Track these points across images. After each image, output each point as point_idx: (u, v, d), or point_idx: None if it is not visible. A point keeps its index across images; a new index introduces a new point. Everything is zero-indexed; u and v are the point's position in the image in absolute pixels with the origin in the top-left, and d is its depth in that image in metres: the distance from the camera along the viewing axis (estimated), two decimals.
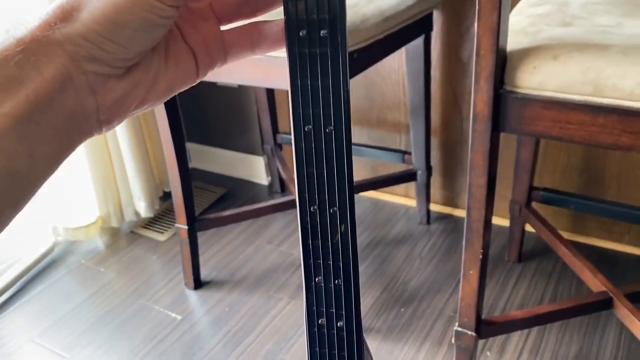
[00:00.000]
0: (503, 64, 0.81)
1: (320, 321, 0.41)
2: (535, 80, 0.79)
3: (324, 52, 0.32)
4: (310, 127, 0.34)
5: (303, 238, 0.38)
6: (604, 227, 1.47)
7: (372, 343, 1.25)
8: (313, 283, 0.40)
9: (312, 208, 0.37)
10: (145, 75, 0.31)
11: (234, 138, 1.92)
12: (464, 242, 0.94)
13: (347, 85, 0.33)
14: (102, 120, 0.30)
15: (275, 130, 1.75)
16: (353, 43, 1.08)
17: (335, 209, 0.37)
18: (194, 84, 0.34)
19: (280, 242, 1.62)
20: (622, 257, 1.43)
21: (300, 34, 0.32)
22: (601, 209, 1.27)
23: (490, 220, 0.92)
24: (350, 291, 0.39)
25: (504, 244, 1.50)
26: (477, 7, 0.77)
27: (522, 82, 0.80)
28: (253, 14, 0.35)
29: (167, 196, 1.82)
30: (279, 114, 1.77)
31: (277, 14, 0.34)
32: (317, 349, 0.42)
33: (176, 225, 1.40)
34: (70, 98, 0.28)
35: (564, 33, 0.82)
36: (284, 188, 1.87)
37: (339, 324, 0.41)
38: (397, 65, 1.57)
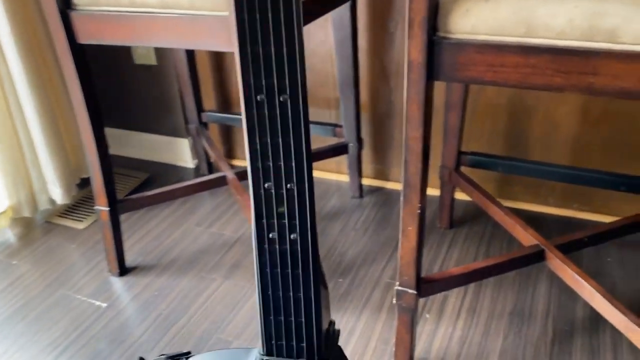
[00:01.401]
0: (435, 10, 0.80)
1: (270, 235, 0.37)
2: (468, 23, 0.78)
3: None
4: (263, 96, 0.30)
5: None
6: (530, 191, 1.52)
7: None
8: (262, 190, 0.35)
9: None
10: None
11: (155, 120, 1.83)
12: (401, 199, 0.93)
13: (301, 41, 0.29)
14: None
15: (199, 109, 1.68)
16: None
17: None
18: None
19: (210, 224, 1.55)
20: (548, 218, 1.48)
21: None
22: (528, 169, 1.31)
23: (426, 174, 0.91)
24: (305, 195, 0.35)
25: (434, 212, 1.52)
26: None
27: (455, 27, 0.79)
28: None
29: (84, 183, 1.70)
30: (203, 90, 1.70)
31: None
32: (268, 269, 0.38)
33: (96, 207, 1.30)
34: None
35: None
36: (211, 170, 1.80)
37: (292, 236, 0.37)
38: (324, 38, 1.54)
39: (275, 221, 0.36)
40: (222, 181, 1.44)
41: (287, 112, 0.33)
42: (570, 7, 0.72)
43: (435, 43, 0.80)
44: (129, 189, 1.71)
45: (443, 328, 1.16)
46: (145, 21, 1.04)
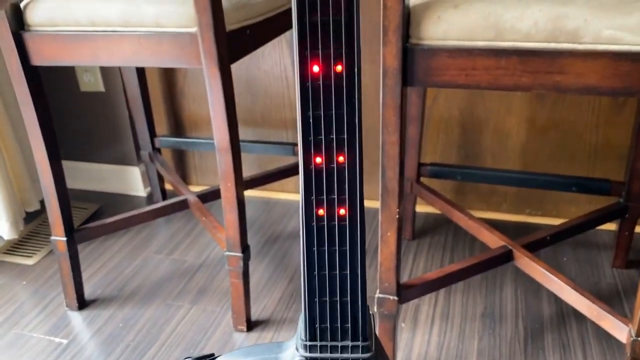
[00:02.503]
0: (408, 18, 0.84)
1: (319, 212, 0.36)
2: (440, 30, 0.82)
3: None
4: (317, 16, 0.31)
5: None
6: (483, 199, 1.58)
7: (288, 334, 1.19)
8: (312, 166, 0.35)
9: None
10: None
11: (103, 149, 1.77)
12: (380, 205, 0.94)
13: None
14: None
15: (152, 134, 1.64)
16: (245, 18, 1.05)
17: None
18: None
19: (170, 251, 1.50)
20: (503, 225, 1.54)
21: None
22: (485, 176, 1.36)
23: (403, 179, 0.93)
24: (355, 168, 0.36)
25: None
26: None
27: (428, 34, 0.82)
28: None
29: (30, 216, 1.61)
30: (155, 115, 1.67)
31: None
32: (315, 247, 0.37)
33: (52, 238, 1.23)
34: None
35: None
36: (165, 197, 1.75)
37: (341, 211, 0.37)
38: (278, 59, 1.56)
39: (325, 197, 0.36)
40: (184, 205, 1.41)
41: (342, 85, 0.33)
42: (534, 10, 0.77)
43: (409, 50, 0.83)
44: (80, 221, 1.63)
45: (420, 335, 1.17)
46: (107, 40, 1.02)
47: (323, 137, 0.34)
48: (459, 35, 0.81)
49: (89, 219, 1.66)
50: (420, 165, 1.39)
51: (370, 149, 1.51)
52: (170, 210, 1.40)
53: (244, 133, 1.66)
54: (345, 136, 0.34)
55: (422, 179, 1.41)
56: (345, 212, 0.36)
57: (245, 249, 1.14)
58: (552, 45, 0.77)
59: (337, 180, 0.36)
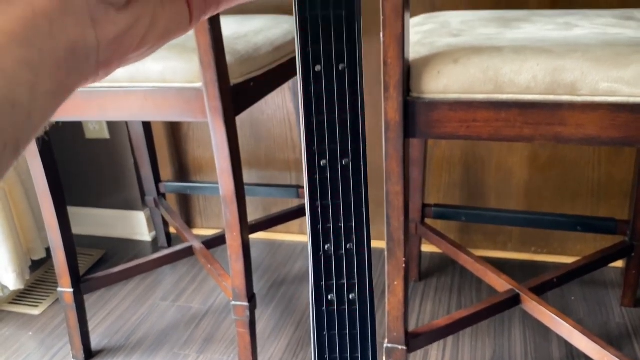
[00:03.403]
0: (408, 73, 0.85)
1: (329, 297, 0.37)
2: (440, 84, 0.83)
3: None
4: (321, 67, 0.32)
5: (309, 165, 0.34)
6: (489, 239, 1.58)
7: None
8: (321, 252, 0.36)
9: (322, 162, 0.34)
10: (144, 10, 0.27)
11: (109, 195, 1.78)
12: (385, 254, 0.95)
13: (360, 22, 0.31)
14: (101, 62, 0.26)
15: (157, 179, 1.66)
16: (249, 71, 1.07)
17: (347, 160, 0.34)
18: (187, 31, 0.31)
19: (176, 297, 1.50)
20: (509, 263, 1.53)
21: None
22: (490, 216, 1.37)
23: (408, 227, 0.94)
24: (364, 254, 0.36)
25: None
26: (381, 17, 0.80)
27: (428, 88, 0.84)
28: None
29: (36, 265, 1.61)
30: (160, 160, 1.68)
31: None
32: (325, 332, 0.38)
33: (59, 289, 1.23)
34: (71, 25, 0.24)
35: (457, 41, 0.88)
36: (170, 241, 1.76)
37: (350, 296, 0.37)
38: (281, 103, 1.58)
39: (334, 282, 0.37)
40: (189, 252, 1.41)
41: (349, 175, 0.34)
42: (532, 64, 0.79)
43: (410, 103, 0.85)
44: (86, 267, 1.64)
45: None
46: (115, 96, 1.04)
47: (332, 225, 0.35)
48: (459, 88, 0.82)
49: (95, 265, 1.66)
50: (424, 206, 1.40)
51: (375, 189, 1.52)
52: (176, 258, 1.40)
53: (248, 175, 1.68)
54: (354, 224, 0.35)
55: (427, 220, 1.42)
56: (355, 296, 0.37)
57: (251, 298, 1.14)
58: (551, 98, 0.79)
59: (345, 265, 0.36)
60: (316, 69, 0.32)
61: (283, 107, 1.59)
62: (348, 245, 0.36)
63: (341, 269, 0.37)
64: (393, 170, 0.88)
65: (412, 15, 1.12)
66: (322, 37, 0.31)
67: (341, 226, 0.35)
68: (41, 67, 0.22)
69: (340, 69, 0.32)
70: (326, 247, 0.36)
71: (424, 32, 0.97)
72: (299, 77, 0.32)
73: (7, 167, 0.21)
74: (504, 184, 1.50)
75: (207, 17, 0.32)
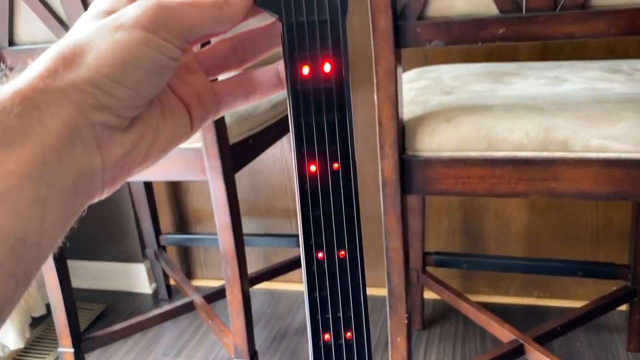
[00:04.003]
0: (402, 132, 0.87)
1: None
2: (434, 142, 0.85)
3: (327, 87, 0.32)
4: (316, 166, 0.33)
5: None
6: (491, 284, 1.57)
7: None
8: (321, 343, 0.36)
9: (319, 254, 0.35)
10: (147, 128, 0.28)
11: (109, 248, 1.78)
12: (387, 310, 0.94)
13: (352, 123, 0.32)
14: (106, 181, 0.27)
15: (157, 232, 1.66)
16: (248, 129, 1.09)
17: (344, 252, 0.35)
18: (189, 138, 0.32)
19: (177, 352, 1.48)
20: (511, 310, 1.52)
21: (303, 71, 0.31)
22: (490, 263, 1.37)
23: (409, 282, 0.94)
24: (364, 345, 0.37)
25: None
26: (375, 80, 0.82)
27: (423, 146, 0.86)
28: (241, 64, 0.34)
29: (36, 321, 1.60)
30: (160, 212, 1.69)
31: (264, 61, 0.34)
32: None
33: (59, 349, 1.22)
34: (78, 154, 0.25)
35: (449, 100, 0.90)
36: (171, 293, 1.75)
37: None
38: (279, 154, 1.60)
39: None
40: (190, 307, 1.40)
41: (346, 267, 0.35)
42: (524, 122, 0.80)
43: (406, 161, 0.86)
44: (87, 323, 1.62)
45: None
46: None
47: (330, 316, 0.36)
48: (453, 146, 0.84)
49: (96, 320, 1.65)
50: (425, 254, 1.40)
51: (374, 235, 1.53)
52: (176, 313, 1.39)
53: (248, 225, 1.68)
54: (352, 315, 0.36)
55: (428, 268, 1.42)
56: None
57: (253, 355, 1.13)
58: (545, 154, 0.80)
59: (345, 355, 0.37)
60: (311, 169, 0.33)
61: (281, 158, 1.61)
62: (347, 334, 0.36)
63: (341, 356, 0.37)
64: (392, 227, 0.89)
65: (405, 69, 1.15)
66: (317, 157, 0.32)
67: (340, 316, 0.36)
68: (50, 199, 0.23)
69: (334, 168, 0.33)
70: (325, 336, 0.36)
71: (417, 90, 0.99)
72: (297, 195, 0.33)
73: (18, 299, 0.22)
74: (503, 229, 1.51)
75: (207, 123, 0.33)
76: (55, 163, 0.24)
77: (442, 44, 0.79)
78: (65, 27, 0.98)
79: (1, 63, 1.03)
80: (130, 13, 0.26)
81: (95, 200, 0.27)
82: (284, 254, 1.66)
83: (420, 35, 0.79)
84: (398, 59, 0.81)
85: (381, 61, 0.81)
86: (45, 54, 0.26)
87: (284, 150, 1.59)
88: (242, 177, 1.64)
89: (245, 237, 1.11)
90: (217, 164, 0.99)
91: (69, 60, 0.25)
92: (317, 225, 0.34)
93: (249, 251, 1.69)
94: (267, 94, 0.34)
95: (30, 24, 1.01)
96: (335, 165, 0.33)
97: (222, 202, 1.02)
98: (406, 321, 0.93)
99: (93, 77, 0.25)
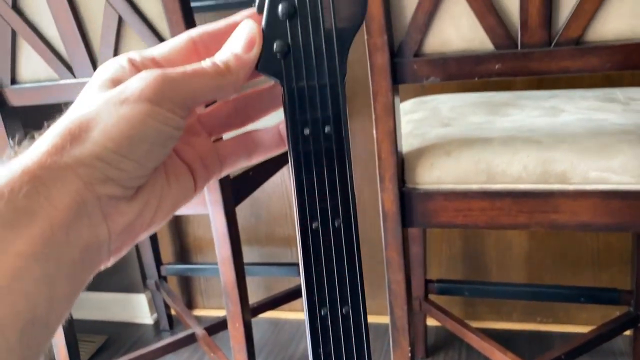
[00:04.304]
0: (402, 164, 0.88)
1: None
2: (434, 175, 0.85)
3: (328, 148, 0.32)
4: (318, 223, 0.33)
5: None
6: (494, 310, 1.57)
7: None
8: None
9: (322, 311, 0.35)
10: (152, 195, 0.29)
11: (110, 278, 1.77)
12: (390, 343, 0.94)
13: (352, 179, 0.33)
14: (113, 250, 0.28)
15: (158, 262, 1.66)
16: None
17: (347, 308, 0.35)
18: (192, 199, 0.33)
19: None
20: (515, 334, 1.51)
21: (304, 132, 0.32)
22: (492, 290, 1.36)
23: (412, 314, 0.94)
24: None
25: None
26: (373, 115, 0.83)
27: (423, 179, 0.86)
28: (244, 123, 0.34)
29: None
30: (161, 241, 1.69)
31: (265, 120, 0.35)
32: None
33: None
34: (85, 228, 0.25)
35: (447, 132, 0.91)
36: (172, 323, 1.74)
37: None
38: (279, 180, 1.61)
39: None
40: (191, 339, 1.40)
41: (350, 324, 0.35)
42: (523, 155, 0.81)
43: (406, 194, 0.87)
44: (88, 355, 1.61)
45: None
46: None
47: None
48: (453, 179, 0.84)
49: (97, 353, 1.63)
50: (427, 282, 1.40)
51: (375, 263, 1.53)
52: (178, 346, 1.38)
53: (248, 254, 1.68)
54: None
55: (430, 296, 1.41)
56: None
57: None
58: (544, 187, 0.81)
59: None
60: (313, 226, 0.33)
61: (281, 185, 1.61)
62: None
63: None
64: (393, 259, 0.89)
65: (403, 98, 1.16)
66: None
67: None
68: (58, 276, 0.24)
69: (335, 225, 0.33)
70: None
71: (415, 121, 1.00)
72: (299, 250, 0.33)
73: None
74: (505, 254, 1.51)
75: (210, 182, 0.34)
76: (63, 239, 0.24)
77: (439, 79, 0.80)
78: (66, 65, 0.99)
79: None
80: (134, 86, 0.27)
81: (102, 268, 0.28)
82: (285, 282, 1.65)
83: (417, 71, 0.80)
84: (396, 95, 0.82)
85: (379, 97, 0.82)
86: (53, 129, 0.26)
87: (283, 177, 1.59)
88: (242, 205, 1.64)
89: (246, 267, 1.11)
90: (217, 197, 1.00)
91: (76, 135, 0.26)
92: (320, 281, 0.34)
93: (250, 280, 1.68)
94: (269, 153, 0.35)
95: (32, 63, 1.02)
96: (337, 222, 0.33)
97: (223, 235, 1.02)
98: (409, 354, 0.93)
99: (99, 152, 0.25)
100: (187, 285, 1.80)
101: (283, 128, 0.33)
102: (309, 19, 0.30)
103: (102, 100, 0.27)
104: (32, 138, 0.27)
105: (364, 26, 0.79)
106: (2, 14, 0.96)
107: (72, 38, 0.96)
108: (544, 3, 0.71)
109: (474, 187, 0.84)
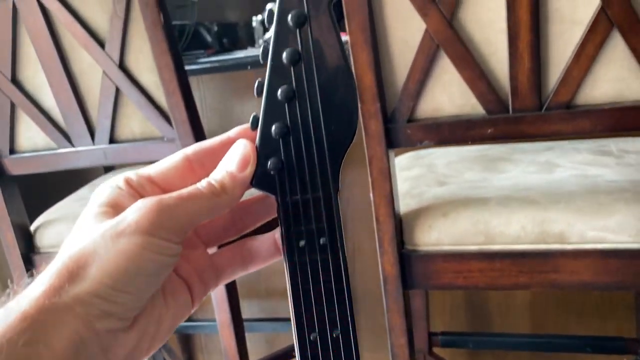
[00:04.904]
0: (400, 226, 0.88)
1: None
2: (432, 237, 0.85)
3: (324, 259, 0.32)
4: (316, 334, 0.33)
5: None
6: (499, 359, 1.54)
7: None
8: None
9: None
10: (150, 320, 0.29)
11: None
12: None
13: (349, 288, 0.33)
14: None
15: None
16: None
17: None
18: (190, 314, 0.33)
19: None
20: None
21: (300, 244, 0.32)
22: (496, 342, 1.35)
23: (414, 352, 0.92)
24: None
25: None
26: (370, 179, 0.84)
27: (421, 241, 0.86)
28: (240, 232, 0.35)
29: None
30: None
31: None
32: None
33: None
34: None
35: (444, 192, 0.92)
36: None
37: None
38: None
39: None
40: None
41: None
42: (520, 216, 0.81)
43: (405, 256, 0.87)
44: None
45: None
46: None
47: None
48: (452, 241, 0.84)
49: None
50: (430, 334, 1.38)
51: (376, 314, 1.51)
52: None
53: (248, 308, 1.66)
54: None
55: (435, 349, 1.39)
56: None
57: None
58: (542, 247, 0.81)
59: None
60: (311, 337, 0.33)
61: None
62: None
63: None
64: (395, 323, 0.88)
65: (397, 154, 1.17)
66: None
67: None
68: None
69: (334, 335, 0.33)
70: None
71: (411, 179, 1.00)
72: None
73: None
74: (508, 304, 1.49)
75: (207, 294, 0.34)
76: None
77: (432, 143, 0.81)
78: (64, 134, 1.00)
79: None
80: (130, 217, 0.27)
81: None
82: (286, 337, 1.63)
83: (411, 136, 0.81)
84: (391, 157, 0.83)
85: (375, 161, 0.83)
86: (51, 267, 0.26)
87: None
88: None
89: (246, 323, 1.09)
90: None
91: (74, 274, 0.26)
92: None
93: (250, 336, 1.66)
94: (265, 263, 0.35)
95: (30, 132, 1.03)
96: (335, 332, 0.33)
97: (222, 300, 1.02)
98: None
99: (97, 289, 0.26)
100: (187, 343, 1.77)
101: (279, 237, 0.33)
102: (302, 137, 0.31)
103: (98, 233, 0.27)
104: (32, 276, 0.27)
105: (357, 95, 0.81)
106: (2, 87, 0.98)
107: (70, 108, 0.98)
108: (532, 70, 0.73)
109: (473, 248, 0.84)
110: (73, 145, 1.00)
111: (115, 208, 0.29)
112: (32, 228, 1.12)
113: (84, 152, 1.00)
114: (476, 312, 1.52)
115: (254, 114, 0.32)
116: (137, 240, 0.26)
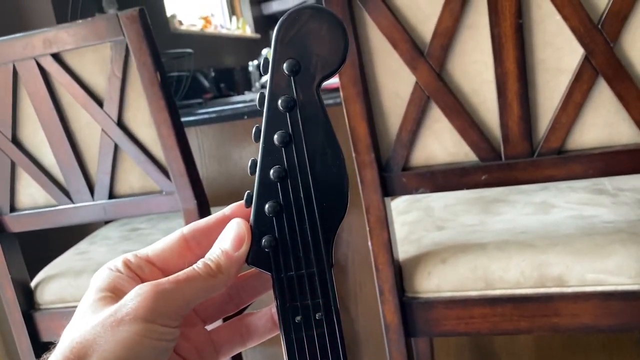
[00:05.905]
0: (400, 273, 0.88)
1: None
2: (432, 284, 0.85)
3: (320, 333, 0.33)
4: None
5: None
6: None
7: None
8: None
9: None
10: None
11: None
12: None
13: None
14: None
15: None
16: None
17: None
18: None
19: None
20: None
21: (296, 320, 0.33)
22: None
23: None
24: None
25: None
26: (367, 228, 0.84)
27: (422, 288, 0.86)
28: (237, 307, 0.35)
29: None
30: None
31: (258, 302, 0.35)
32: None
33: None
34: None
35: (442, 237, 0.92)
36: None
37: None
38: None
39: None
40: None
41: None
42: (518, 260, 0.81)
43: (406, 304, 0.87)
44: None
45: None
46: None
47: None
48: (452, 287, 0.84)
49: None
50: None
51: (380, 358, 1.49)
52: None
53: (252, 355, 1.64)
54: None
55: None
56: None
57: None
58: (542, 290, 0.81)
59: None
60: None
61: None
62: None
63: None
64: None
65: (394, 197, 1.17)
66: None
67: None
68: None
69: None
70: None
71: (409, 224, 1.01)
72: None
73: None
74: (513, 340, 1.48)
75: None
76: None
77: (428, 190, 0.82)
78: (64, 191, 1.01)
79: None
80: (129, 305, 0.28)
81: None
82: None
83: (406, 184, 0.82)
84: (388, 206, 0.84)
85: (372, 210, 0.83)
86: (54, 356, 0.27)
87: None
88: None
89: None
90: None
91: None
92: None
93: None
94: (263, 338, 0.35)
95: (30, 190, 1.04)
96: None
97: None
98: None
99: None
100: None
101: (275, 312, 0.34)
102: (294, 215, 0.32)
103: (98, 323, 0.27)
104: None
105: (350, 144, 0.82)
106: (2, 147, 1.00)
107: (69, 165, 0.99)
108: (522, 117, 0.74)
109: (473, 294, 0.84)
110: (73, 202, 1.01)
111: (115, 292, 0.29)
112: (32, 284, 1.12)
113: (83, 207, 1.01)
114: (481, 352, 1.50)
115: (247, 192, 0.33)
116: (136, 329, 0.27)
